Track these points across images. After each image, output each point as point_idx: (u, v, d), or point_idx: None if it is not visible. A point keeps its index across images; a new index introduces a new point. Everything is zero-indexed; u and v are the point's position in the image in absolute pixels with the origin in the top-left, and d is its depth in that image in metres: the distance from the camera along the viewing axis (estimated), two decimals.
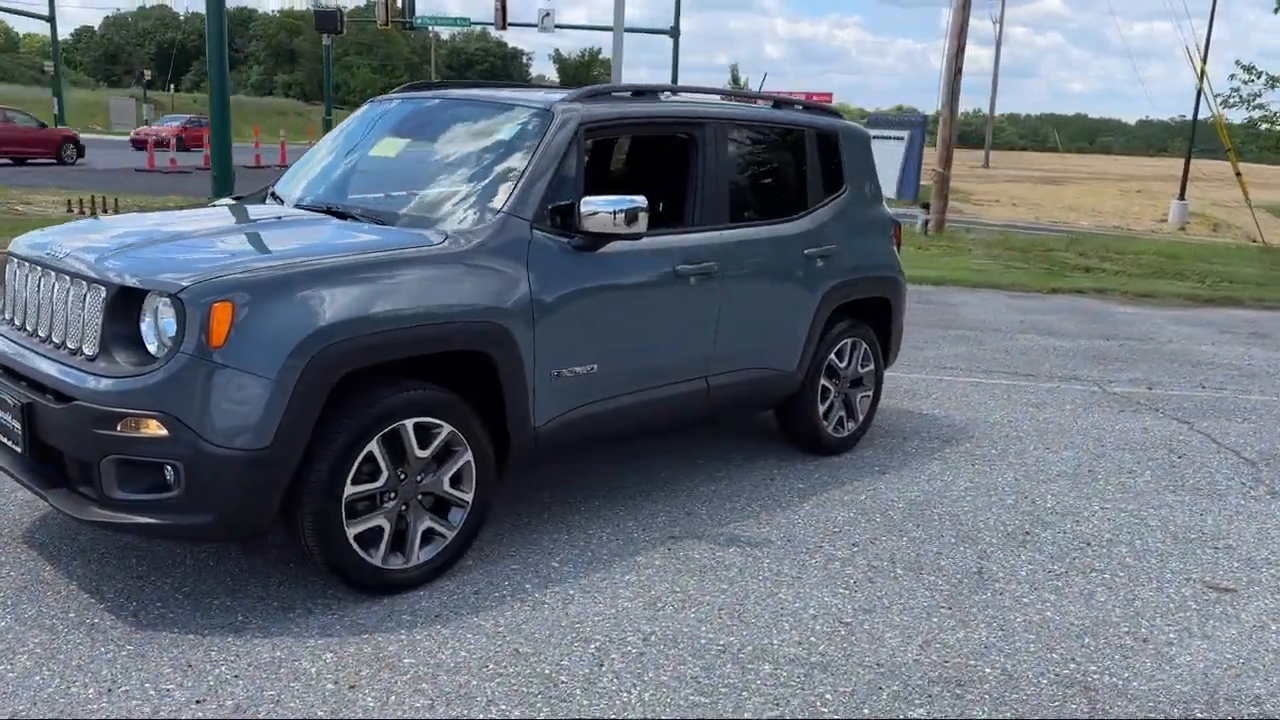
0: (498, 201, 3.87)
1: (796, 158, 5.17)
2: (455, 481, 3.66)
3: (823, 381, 5.26)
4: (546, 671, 3.14)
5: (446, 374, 3.68)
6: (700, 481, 4.89)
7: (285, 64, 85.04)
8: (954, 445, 5.71)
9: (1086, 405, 6.75)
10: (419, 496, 3.58)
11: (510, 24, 36.52)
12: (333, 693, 2.96)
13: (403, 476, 3.51)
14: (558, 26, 38.84)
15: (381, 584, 3.52)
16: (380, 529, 3.47)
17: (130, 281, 3.25)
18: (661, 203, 4.80)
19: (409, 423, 3.47)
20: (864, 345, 5.47)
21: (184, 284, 3.14)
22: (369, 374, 3.42)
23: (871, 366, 5.55)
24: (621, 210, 3.91)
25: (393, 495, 3.50)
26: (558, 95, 4.24)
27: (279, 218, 4.06)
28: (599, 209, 3.89)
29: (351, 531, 3.39)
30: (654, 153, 5.31)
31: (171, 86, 65.71)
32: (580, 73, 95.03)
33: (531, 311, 3.79)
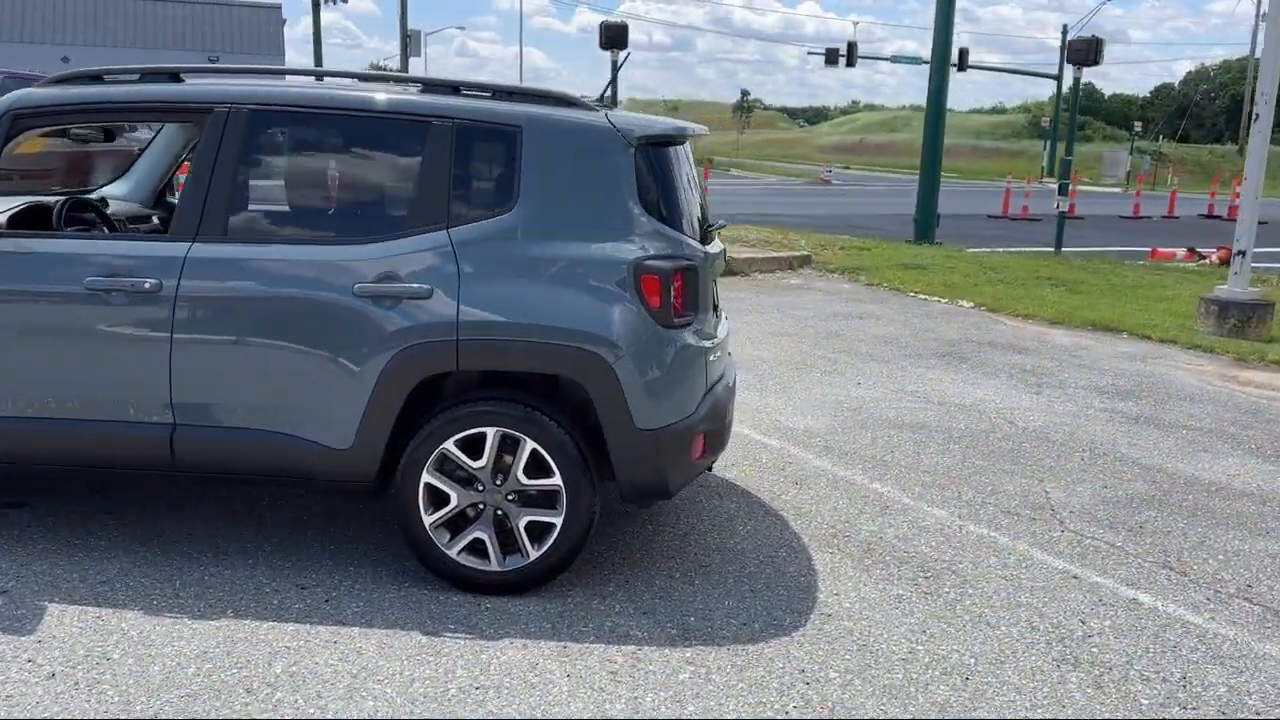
0: None
1: (403, 161, 3.76)
2: None
3: (427, 478, 3.50)
4: None
5: None
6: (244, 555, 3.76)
7: None
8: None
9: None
10: None
11: None
12: None
13: None
14: None
15: None
16: None
17: None
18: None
19: None
20: (530, 445, 3.40)
21: None
22: None
23: (556, 480, 3.40)
24: None
25: None
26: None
27: None
28: None
29: None
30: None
31: (1160, 137, 63.04)
32: None
33: None
